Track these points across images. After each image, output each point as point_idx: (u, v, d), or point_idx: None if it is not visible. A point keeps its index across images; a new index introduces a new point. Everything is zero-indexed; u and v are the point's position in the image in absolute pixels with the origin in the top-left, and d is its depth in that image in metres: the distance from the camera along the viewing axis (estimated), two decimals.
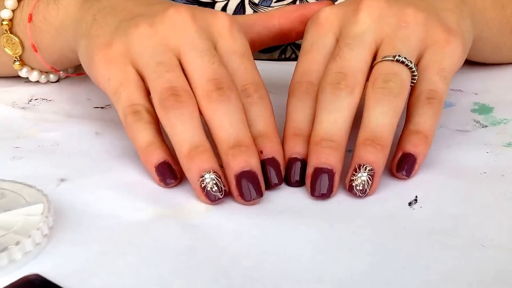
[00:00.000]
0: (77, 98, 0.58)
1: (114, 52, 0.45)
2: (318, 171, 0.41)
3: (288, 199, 0.41)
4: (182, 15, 0.45)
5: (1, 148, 0.48)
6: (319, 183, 0.41)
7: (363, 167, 0.40)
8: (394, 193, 0.42)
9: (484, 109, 0.54)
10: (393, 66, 0.43)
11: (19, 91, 0.59)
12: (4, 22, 0.55)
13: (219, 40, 0.45)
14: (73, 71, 0.62)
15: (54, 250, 0.36)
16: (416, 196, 0.41)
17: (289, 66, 0.49)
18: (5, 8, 0.55)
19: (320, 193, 0.41)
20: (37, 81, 0.60)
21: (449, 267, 0.34)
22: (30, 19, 0.54)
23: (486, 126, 0.51)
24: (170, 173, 0.42)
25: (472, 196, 0.41)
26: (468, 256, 0.35)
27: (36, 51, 0.55)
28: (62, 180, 0.43)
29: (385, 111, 0.41)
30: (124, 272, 0.34)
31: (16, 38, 0.55)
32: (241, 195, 0.40)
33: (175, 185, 0.43)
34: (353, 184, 0.41)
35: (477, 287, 0.33)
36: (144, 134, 0.43)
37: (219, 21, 0.46)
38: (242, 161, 0.40)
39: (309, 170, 0.41)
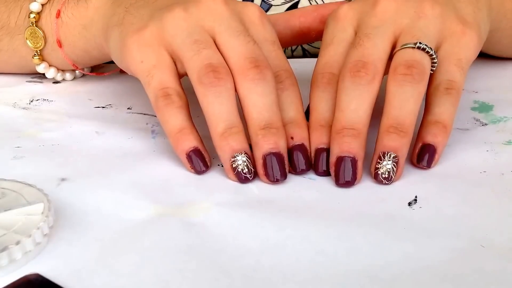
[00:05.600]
0: (78, 98, 0.58)
1: (148, 36, 0.45)
2: (341, 160, 0.42)
3: (288, 198, 0.41)
4: (216, 1, 0.46)
5: (2, 147, 0.48)
6: (342, 171, 0.42)
7: (387, 155, 0.41)
8: (394, 193, 0.41)
9: (484, 107, 0.54)
10: (415, 53, 0.43)
11: (20, 92, 0.59)
12: (32, 15, 0.56)
13: (250, 27, 0.47)
14: (90, 71, 0.62)
15: (55, 250, 0.36)
16: (416, 196, 0.41)
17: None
18: (35, 1, 0.56)
19: (345, 181, 0.42)
20: (52, 78, 0.60)
21: (449, 267, 0.34)
22: (58, 15, 0.55)
23: (486, 124, 0.51)
24: (201, 160, 0.43)
25: (472, 196, 0.41)
26: (468, 256, 0.35)
27: (61, 47, 0.56)
28: (63, 179, 0.43)
29: (407, 98, 0.42)
30: (124, 271, 0.34)
31: (40, 32, 0.56)
32: (266, 174, 0.42)
33: (205, 172, 0.44)
34: (379, 172, 0.42)
35: None
36: (175, 119, 0.44)
37: (249, 10, 0.48)
38: (272, 142, 0.42)
39: (332, 159, 0.42)
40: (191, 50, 0.44)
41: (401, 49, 0.44)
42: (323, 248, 0.36)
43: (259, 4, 0.66)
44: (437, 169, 0.44)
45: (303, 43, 0.55)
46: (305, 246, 0.36)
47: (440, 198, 0.41)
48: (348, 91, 0.43)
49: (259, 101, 0.43)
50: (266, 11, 0.66)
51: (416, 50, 0.43)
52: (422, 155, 0.44)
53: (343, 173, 0.42)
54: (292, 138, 0.44)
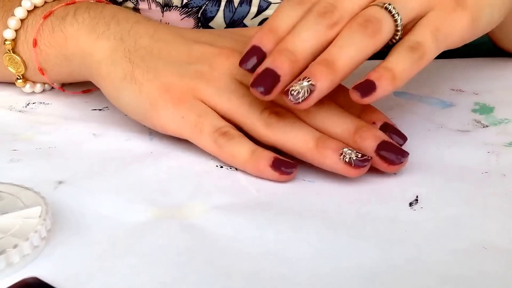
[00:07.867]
0: (74, 101, 0.57)
1: (179, 91, 0.45)
2: (266, 70, 0.41)
3: (288, 200, 0.41)
4: (229, 58, 0.46)
5: None
6: (261, 80, 0.41)
7: (306, 78, 0.40)
8: (394, 194, 0.41)
9: (484, 109, 0.54)
10: (378, 12, 0.41)
11: (17, 95, 0.59)
12: (7, 42, 0.53)
13: None
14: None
15: (52, 253, 0.35)
16: (417, 197, 0.41)
17: None
18: (8, 28, 0.53)
19: (259, 91, 0.41)
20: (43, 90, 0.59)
21: (450, 269, 0.34)
22: (35, 44, 0.52)
23: (487, 126, 0.51)
24: (286, 163, 0.43)
25: (473, 197, 0.41)
26: (469, 258, 0.35)
27: (43, 74, 0.54)
28: (60, 182, 0.43)
29: (350, 44, 0.40)
30: (123, 274, 0.34)
31: (18, 58, 0.54)
32: (387, 161, 0.42)
33: (295, 174, 0.43)
34: (290, 88, 0.40)
35: None
36: (242, 147, 0.44)
37: None
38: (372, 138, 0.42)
39: (260, 68, 0.41)
40: (234, 101, 0.45)
41: (369, 6, 0.42)
42: (323, 250, 0.36)
43: (258, 3, 0.64)
44: (438, 170, 0.44)
45: None
46: (305, 248, 0.36)
47: (441, 199, 0.41)
48: (305, 24, 0.41)
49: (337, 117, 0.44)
50: (265, 8, 0.65)
51: (382, 10, 0.41)
52: (359, 85, 0.40)
53: (260, 81, 0.41)
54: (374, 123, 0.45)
